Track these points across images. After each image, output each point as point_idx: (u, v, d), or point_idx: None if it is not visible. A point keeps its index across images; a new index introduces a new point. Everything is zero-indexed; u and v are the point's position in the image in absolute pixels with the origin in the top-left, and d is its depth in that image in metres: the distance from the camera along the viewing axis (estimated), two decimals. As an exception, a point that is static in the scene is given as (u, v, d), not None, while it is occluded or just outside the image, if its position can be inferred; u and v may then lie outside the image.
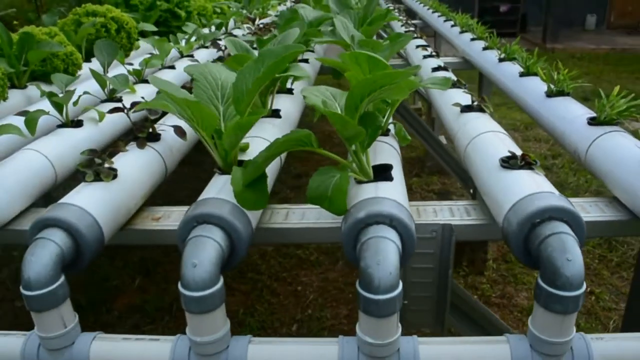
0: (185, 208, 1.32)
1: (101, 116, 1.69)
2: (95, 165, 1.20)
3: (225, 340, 0.99)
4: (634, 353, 0.97)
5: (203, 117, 1.06)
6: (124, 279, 3.15)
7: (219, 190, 1.09)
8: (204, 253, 0.94)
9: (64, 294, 1.01)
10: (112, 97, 1.90)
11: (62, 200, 1.12)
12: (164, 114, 1.66)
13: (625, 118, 1.45)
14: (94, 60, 2.70)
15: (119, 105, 1.58)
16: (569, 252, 0.90)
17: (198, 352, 0.98)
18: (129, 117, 1.47)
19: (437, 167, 4.35)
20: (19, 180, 1.33)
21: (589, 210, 1.25)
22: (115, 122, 1.77)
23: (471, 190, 3.24)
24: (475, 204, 1.29)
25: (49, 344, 1.02)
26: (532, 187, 1.05)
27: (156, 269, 3.23)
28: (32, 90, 2.18)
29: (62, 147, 1.51)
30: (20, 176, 1.34)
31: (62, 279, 1.01)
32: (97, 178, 1.17)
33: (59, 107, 1.61)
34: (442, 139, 3.97)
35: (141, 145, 1.35)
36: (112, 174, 1.19)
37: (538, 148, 4.99)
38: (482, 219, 1.23)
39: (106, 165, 1.21)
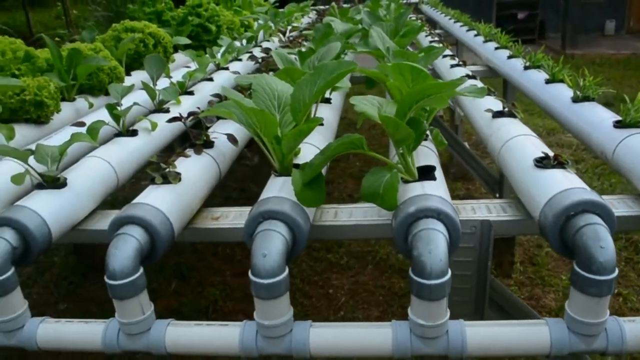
0: (240, 208, 1.44)
1: (154, 126, 1.82)
2: (162, 170, 1.32)
3: (290, 324, 1.10)
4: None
5: (267, 123, 1.18)
6: (160, 283, 3.27)
7: (279, 189, 1.20)
8: (272, 245, 1.05)
9: (143, 284, 1.13)
10: (160, 107, 2.02)
11: (136, 201, 1.24)
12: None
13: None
14: (133, 74, 2.85)
15: (169, 115, 1.70)
16: (602, 240, 0.99)
17: (265, 334, 1.09)
18: (186, 125, 1.60)
19: (460, 173, 4.43)
20: (88, 184, 1.46)
21: (617, 206, 1.34)
22: (165, 131, 1.90)
23: (497, 195, 3.32)
24: (510, 201, 1.38)
25: (129, 329, 1.14)
26: (565, 184, 1.15)
27: (191, 273, 3.35)
28: (80, 102, 2.33)
29: (122, 154, 1.64)
30: (89, 181, 1.46)
31: (141, 270, 1.13)
32: (165, 181, 1.29)
33: (117, 117, 1.74)
34: (466, 144, 4.06)
35: (198, 152, 1.47)
36: (178, 177, 1.31)
37: (561, 153, 5.04)
38: (517, 215, 1.32)
39: (171, 169, 1.32)
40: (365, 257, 3.41)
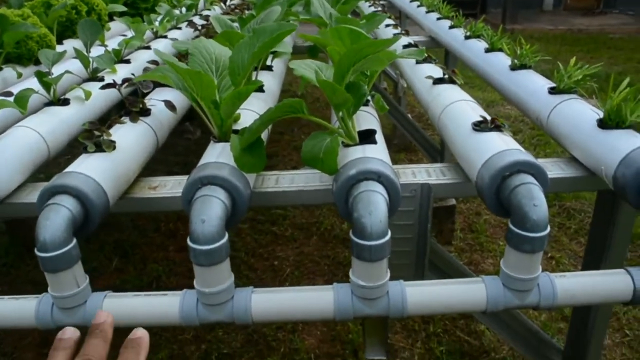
0: (178, 177, 1.40)
1: (87, 95, 1.74)
2: (95, 137, 1.26)
3: (231, 291, 1.08)
4: (590, 286, 1.11)
5: (203, 86, 1.14)
6: (101, 260, 3.18)
7: (218, 155, 1.18)
8: (210, 210, 1.02)
9: (77, 256, 1.09)
10: (94, 76, 1.94)
11: (68, 169, 1.18)
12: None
13: (580, 86, 1.59)
14: (66, 42, 2.71)
15: (103, 83, 1.63)
16: (535, 199, 1.02)
17: (206, 302, 1.07)
18: (120, 92, 1.53)
19: (403, 144, 4.49)
20: (16, 155, 1.38)
21: (551, 168, 1.38)
22: (100, 100, 1.82)
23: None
24: (449, 165, 1.41)
25: (63, 303, 1.10)
26: (501, 146, 1.17)
27: (133, 250, 3.28)
28: (8, 72, 2.20)
29: (52, 124, 1.56)
30: (17, 151, 1.39)
31: (74, 241, 1.08)
32: (98, 149, 1.24)
33: (47, 86, 1.65)
34: (409, 116, 4.10)
35: (134, 119, 1.42)
36: (113, 145, 1.25)
37: (499, 125, 5.18)
38: (456, 178, 1.34)
39: (105, 137, 1.27)
40: (310, 228, 3.43)
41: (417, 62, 1.97)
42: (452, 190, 1.33)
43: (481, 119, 1.32)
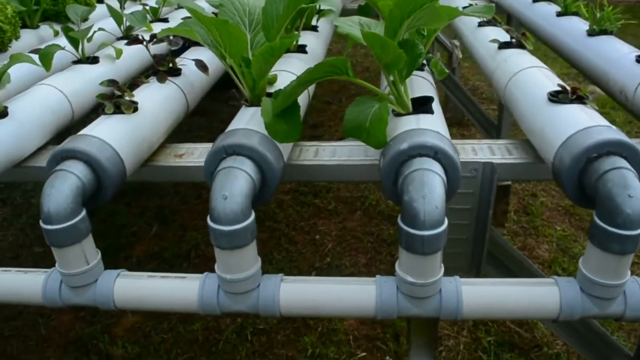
0: (207, 145, 1.26)
1: (118, 53, 1.61)
2: (115, 98, 1.13)
3: (257, 279, 0.94)
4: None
5: (232, 40, 0.98)
6: (141, 226, 3.12)
7: (248, 121, 1.02)
8: (234, 185, 0.88)
9: (86, 229, 0.97)
10: (128, 34, 1.81)
11: (81, 132, 1.05)
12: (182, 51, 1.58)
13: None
14: (106, 0, 2.60)
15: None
16: (630, 188, 0.83)
17: (228, 290, 0.94)
18: (148, 49, 1.39)
19: (456, 118, 4.23)
20: (36, 114, 1.27)
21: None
22: (132, 60, 1.70)
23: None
24: (515, 142, 1.21)
25: (71, 281, 0.98)
26: (586, 121, 0.97)
27: (173, 217, 3.20)
28: (44, 30, 2.11)
29: (78, 84, 1.44)
30: (36, 111, 1.28)
31: (84, 213, 0.96)
32: (118, 110, 1.11)
33: (74, 42, 1.53)
34: (464, 88, 3.85)
35: (162, 79, 1.28)
36: (133, 106, 1.12)
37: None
38: (524, 158, 1.15)
39: (127, 97, 1.14)
40: (354, 202, 3.26)
41: (480, 25, 1.76)
42: (520, 172, 1.13)
43: (559, 88, 1.11)
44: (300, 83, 0.96)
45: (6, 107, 1.21)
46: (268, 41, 1.05)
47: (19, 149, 1.21)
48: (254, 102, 1.11)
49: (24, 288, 1.02)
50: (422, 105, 1.06)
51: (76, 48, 1.55)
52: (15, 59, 1.22)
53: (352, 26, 1.07)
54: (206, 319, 2.49)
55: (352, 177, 1.16)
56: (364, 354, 2.26)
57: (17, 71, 1.49)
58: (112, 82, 1.16)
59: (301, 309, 0.94)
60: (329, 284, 0.96)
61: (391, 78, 1.02)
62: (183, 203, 3.33)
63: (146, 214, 3.23)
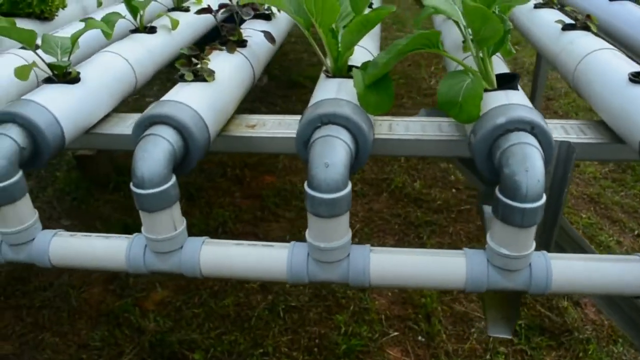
0: (279, 116, 1.26)
1: (174, 24, 1.60)
2: (192, 65, 1.13)
3: (347, 248, 0.95)
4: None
5: (325, 10, 0.97)
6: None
7: (337, 91, 1.02)
8: (335, 153, 0.88)
9: (176, 196, 0.97)
10: (180, 5, 1.80)
11: (165, 98, 1.05)
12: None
13: None
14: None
15: (188, 15, 1.48)
16: None
17: (319, 258, 0.94)
18: (216, 19, 1.38)
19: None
20: (104, 81, 1.27)
21: None
22: (187, 31, 1.69)
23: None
24: (588, 123, 1.21)
25: (158, 246, 0.99)
26: (677, 101, 0.97)
27: (199, 193, 3.20)
28: (88, 0, 2.10)
29: (140, 53, 1.44)
30: (105, 78, 1.27)
31: (174, 179, 0.96)
32: (197, 79, 1.10)
33: (134, 11, 1.52)
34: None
35: (231, 49, 1.27)
36: (214, 74, 1.12)
37: None
38: (600, 138, 1.15)
39: (204, 65, 1.13)
40: (380, 184, 3.27)
41: (536, 7, 1.74)
42: (598, 152, 1.14)
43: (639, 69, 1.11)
44: (395, 55, 0.96)
45: (79, 73, 1.20)
46: (356, 12, 1.04)
47: (90, 115, 1.21)
48: (336, 73, 1.10)
49: (106, 253, 1.02)
50: (507, 81, 1.06)
51: (135, 17, 1.54)
52: (90, 25, 1.22)
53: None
54: (237, 294, 2.50)
55: (427, 152, 1.16)
56: (396, 333, 2.28)
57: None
58: (191, 49, 1.16)
59: (391, 279, 0.95)
60: (418, 255, 0.96)
61: (480, 54, 1.02)
62: (208, 180, 3.33)
63: (172, 190, 3.23)
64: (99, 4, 2.08)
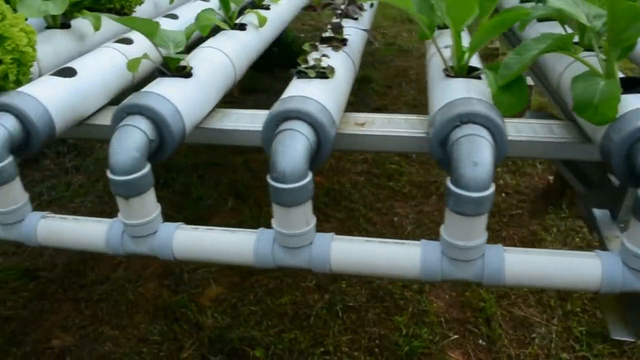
0: (386, 115, 1.26)
1: (262, 21, 1.61)
2: (312, 61, 1.13)
3: (482, 248, 0.94)
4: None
5: (459, 7, 0.97)
6: (216, 199, 3.15)
7: (468, 90, 1.02)
8: (483, 152, 0.88)
9: (312, 191, 0.97)
10: (260, 4, 1.81)
11: (292, 93, 1.06)
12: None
13: None
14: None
15: (269, 12, 1.49)
16: None
17: (454, 257, 0.94)
18: (320, 17, 1.38)
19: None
20: (211, 76, 1.28)
21: None
22: (269, 28, 1.70)
23: None
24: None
25: (289, 241, 0.99)
26: None
27: (247, 192, 3.22)
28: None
29: (236, 48, 1.45)
30: (212, 72, 1.28)
31: (311, 175, 0.96)
32: (320, 75, 1.11)
33: (226, 7, 1.53)
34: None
35: (338, 47, 1.28)
36: (334, 71, 1.12)
37: None
38: None
39: (322, 62, 1.14)
40: (429, 187, 3.26)
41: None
42: None
43: None
44: (530, 57, 0.96)
45: (192, 68, 1.21)
46: (482, 13, 1.04)
47: (202, 110, 1.22)
48: (457, 72, 1.10)
49: (234, 248, 1.03)
50: (632, 86, 1.05)
51: (227, 12, 1.55)
52: (204, 19, 1.23)
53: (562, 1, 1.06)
54: (293, 293, 2.51)
55: (538, 154, 1.16)
56: (456, 336, 2.27)
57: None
58: (313, 46, 1.16)
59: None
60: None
61: (611, 55, 1.01)
62: (255, 179, 3.34)
63: (220, 188, 3.25)
64: (171, 1, 2.10)
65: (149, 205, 1.02)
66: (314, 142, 0.97)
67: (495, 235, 2.81)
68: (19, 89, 1.19)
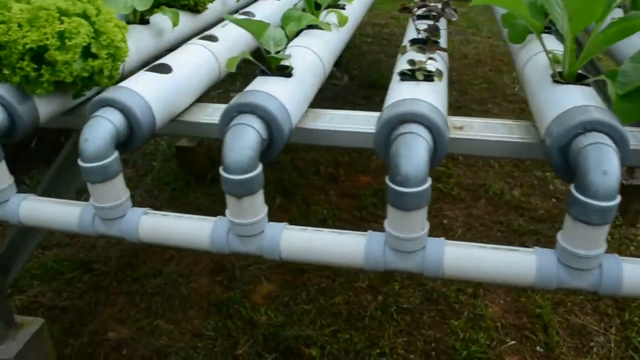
0: (487, 120, 1.25)
1: (343, 20, 1.61)
2: (418, 64, 1.13)
3: (599, 258, 0.93)
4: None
5: (583, 11, 0.96)
6: (265, 196, 3.15)
7: (585, 98, 1.01)
8: (612, 162, 0.87)
9: (430, 196, 0.97)
10: (336, 3, 1.81)
11: (405, 97, 1.05)
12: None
13: None
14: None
15: (344, 11, 1.49)
16: None
17: (572, 265, 0.93)
18: (413, 20, 1.38)
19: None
20: (307, 75, 1.28)
21: None
22: (345, 27, 1.70)
23: None
24: None
25: (403, 245, 0.98)
26: None
27: (294, 190, 3.23)
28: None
29: (322, 47, 1.45)
30: (308, 71, 1.29)
31: (429, 182, 0.96)
32: (428, 78, 1.10)
33: (310, 6, 1.54)
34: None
35: (434, 51, 1.27)
36: (443, 74, 1.12)
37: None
38: None
39: (428, 65, 1.13)
40: (477, 190, 3.24)
41: None
42: None
43: None
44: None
45: (293, 68, 1.22)
46: (590, 17, 1.02)
47: (303, 109, 1.22)
48: (566, 78, 1.09)
49: (344, 251, 1.03)
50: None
51: (311, 11, 1.55)
52: (306, 19, 1.23)
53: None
54: (346, 293, 2.51)
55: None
56: (513, 342, 2.25)
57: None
58: (421, 49, 1.16)
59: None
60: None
61: None
62: (302, 177, 3.35)
63: (267, 185, 3.25)
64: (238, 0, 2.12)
65: (258, 205, 1.03)
66: (432, 145, 0.97)
67: (548, 241, 2.77)
68: (121, 85, 1.20)
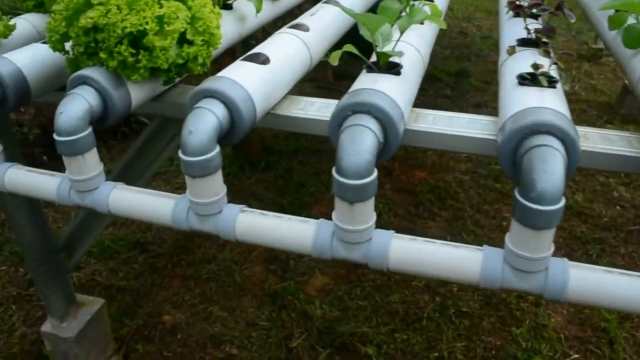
0: (600, 130, 1.17)
1: (437, 13, 1.53)
2: (541, 69, 1.05)
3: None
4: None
5: None
6: (318, 186, 3.11)
7: None
8: None
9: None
10: None
11: (535, 104, 0.98)
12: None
13: None
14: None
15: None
16: None
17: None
18: (525, 21, 1.30)
19: (631, 116, 4.00)
20: (414, 76, 1.22)
21: None
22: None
23: None
24: None
25: (525, 265, 0.92)
26: None
27: (348, 181, 3.17)
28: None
29: (421, 43, 1.39)
30: (414, 71, 1.23)
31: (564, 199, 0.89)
32: (551, 85, 1.03)
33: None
34: None
35: (547, 54, 1.19)
36: (567, 80, 1.04)
37: None
38: None
39: (552, 72, 1.06)
40: (537, 193, 3.14)
41: None
42: None
43: None
44: None
45: (402, 66, 1.15)
46: None
47: (408, 111, 1.16)
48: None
49: (456, 265, 0.97)
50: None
51: (406, 4, 1.48)
52: (418, 13, 1.17)
53: None
54: (403, 292, 2.46)
55: None
56: (577, 355, 2.18)
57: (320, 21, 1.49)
58: (546, 53, 1.09)
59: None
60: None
61: None
62: (356, 169, 3.29)
63: (321, 175, 3.22)
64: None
65: (369, 212, 0.98)
66: (567, 159, 0.90)
67: (613, 251, 2.67)
68: (221, 74, 1.16)
